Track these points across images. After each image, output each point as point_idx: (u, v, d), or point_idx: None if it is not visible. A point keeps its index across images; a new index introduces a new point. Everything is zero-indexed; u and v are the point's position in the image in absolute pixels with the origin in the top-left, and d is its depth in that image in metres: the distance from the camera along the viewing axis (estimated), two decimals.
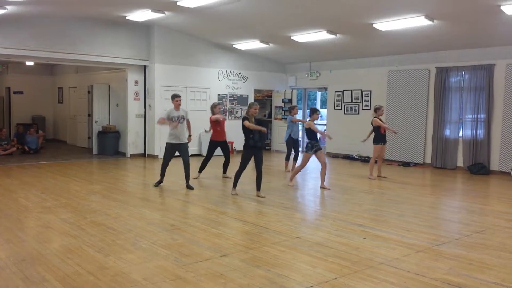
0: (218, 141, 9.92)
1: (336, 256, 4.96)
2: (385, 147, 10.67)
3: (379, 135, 10.34)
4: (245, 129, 7.93)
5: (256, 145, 7.91)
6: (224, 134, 10.04)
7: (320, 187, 9.10)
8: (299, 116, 11.52)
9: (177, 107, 8.84)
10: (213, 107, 10.03)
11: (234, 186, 8.24)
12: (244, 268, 4.56)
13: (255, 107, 8.10)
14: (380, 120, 10.40)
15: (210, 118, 9.96)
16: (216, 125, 9.90)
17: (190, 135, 9.33)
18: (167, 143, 8.92)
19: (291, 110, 11.29)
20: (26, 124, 16.21)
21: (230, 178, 9.83)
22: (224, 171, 10.21)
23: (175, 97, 8.91)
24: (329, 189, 9.01)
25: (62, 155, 14.03)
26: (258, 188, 8.15)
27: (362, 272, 4.49)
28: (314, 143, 8.97)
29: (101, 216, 6.54)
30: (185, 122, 8.92)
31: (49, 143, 17.34)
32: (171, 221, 6.35)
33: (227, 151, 10.16)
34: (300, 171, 9.49)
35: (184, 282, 4.16)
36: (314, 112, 9.20)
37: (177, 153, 8.94)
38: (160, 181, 9.05)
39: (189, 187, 8.80)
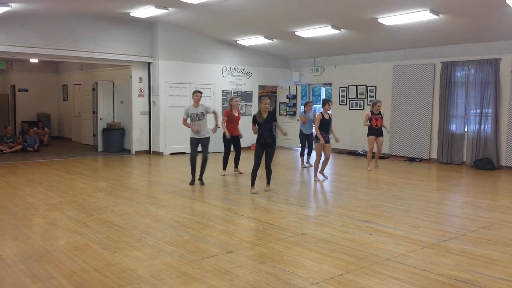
0: (231, 136, 9.83)
1: (342, 252, 4.95)
2: (380, 140, 10.89)
3: (371, 128, 10.81)
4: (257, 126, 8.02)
5: (266, 142, 7.94)
6: (236, 129, 9.98)
7: (314, 177, 9.43)
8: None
9: (196, 102, 8.74)
10: (230, 100, 10.07)
11: (252, 184, 8.14)
12: (250, 264, 4.56)
13: (264, 102, 8.06)
14: (373, 114, 10.78)
15: (226, 113, 9.93)
16: (229, 121, 9.84)
17: (216, 125, 9.28)
18: (190, 137, 8.89)
19: (305, 105, 11.53)
20: (31, 122, 16.28)
21: (242, 173, 10.03)
22: (236, 165, 10.23)
23: (194, 93, 8.83)
24: (319, 180, 9.35)
25: (67, 152, 14.08)
26: (267, 181, 8.24)
27: (368, 268, 4.48)
28: (322, 134, 9.20)
29: (107, 213, 6.56)
30: (205, 118, 8.82)
31: (54, 140, 17.40)
32: (176, 218, 6.36)
33: (238, 146, 10.18)
34: (319, 164, 9.51)
35: (190, 279, 4.17)
36: (325, 103, 9.50)
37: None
38: (193, 180, 8.85)
39: (201, 182, 8.84)
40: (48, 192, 8.01)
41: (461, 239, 5.50)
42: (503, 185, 9.64)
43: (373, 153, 11.08)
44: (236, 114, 10.01)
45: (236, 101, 10.07)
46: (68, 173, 10.15)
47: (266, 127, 7.93)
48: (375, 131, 10.82)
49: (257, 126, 8.01)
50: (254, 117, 8.06)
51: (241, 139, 10.09)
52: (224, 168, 10.08)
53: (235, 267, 4.46)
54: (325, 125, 9.30)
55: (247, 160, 10.31)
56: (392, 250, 5.04)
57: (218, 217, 6.51)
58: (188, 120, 8.76)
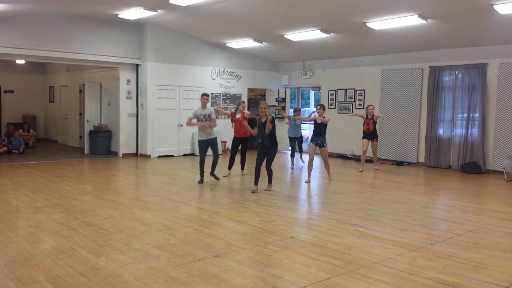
0: (238, 138, 10.19)
1: (330, 255, 4.94)
2: (375, 144, 11.53)
3: (363, 131, 11.49)
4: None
5: (264, 144, 8.40)
6: (240, 130, 10.10)
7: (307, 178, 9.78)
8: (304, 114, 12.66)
9: (203, 105, 9.21)
10: (238, 105, 10.29)
11: (255, 183, 8.50)
12: (238, 268, 4.53)
13: (261, 107, 8.52)
14: (366, 118, 11.42)
15: (235, 117, 10.20)
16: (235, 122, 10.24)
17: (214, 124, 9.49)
18: (198, 140, 9.40)
19: (294, 112, 12.30)
20: (17, 124, 16.09)
21: (245, 175, 10.31)
22: (242, 168, 10.48)
23: (202, 96, 9.36)
24: (309, 182, 9.64)
25: (53, 154, 13.91)
26: (269, 181, 8.62)
27: (355, 271, 4.47)
28: (314, 138, 9.76)
29: (93, 217, 6.48)
30: (211, 120, 9.22)
31: (40, 142, 17.21)
32: (163, 222, 6.30)
33: (244, 148, 10.40)
34: (311, 166, 9.80)
35: (177, 283, 4.12)
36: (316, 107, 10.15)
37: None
38: (202, 179, 9.29)
39: (215, 177, 9.40)
40: (33, 195, 7.89)
41: (448, 243, 5.52)
42: (490, 188, 9.72)
43: (370, 157, 11.80)
44: (238, 116, 10.12)
45: (243, 106, 10.30)
46: (53, 175, 10.02)
47: (263, 131, 8.34)
48: (366, 134, 11.43)
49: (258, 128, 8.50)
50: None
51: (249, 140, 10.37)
52: (229, 168, 10.26)
53: (223, 271, 4.42)
54: (316, 128, 9.77)
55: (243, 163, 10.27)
56: (380, 253, 5.05)
57: (205, 220, 6.47)
58: (194, 121, 9.19)
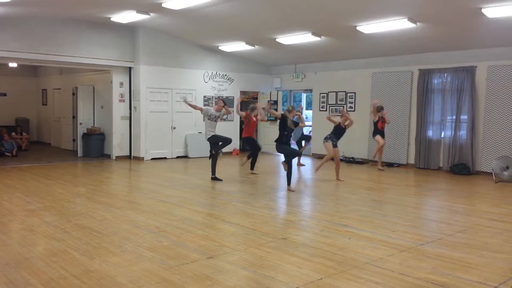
0: (246, 137, 10.85)
1: (322, 256, 5.00)
2: (381, 143, 11.96)
3: (378, 129, 12.01)
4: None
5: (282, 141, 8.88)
6: (251, 131, 10.86)
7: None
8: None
9: (219, 108, 9.97)
10: (251, 110, 10.74)
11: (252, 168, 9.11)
12: (231, 270, 4.58)
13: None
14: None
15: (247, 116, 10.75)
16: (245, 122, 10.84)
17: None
18: (207, 139, 9.89)
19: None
20: (9, 127, 16.02)
21: (257, 174, 10.73)
22: (252, 167, 10.87)
23: (220, 99, 10.35)
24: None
25: (46, 157, 13.88)
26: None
27: (347, 272, 4.54)
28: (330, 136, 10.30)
29: (86, 219, 6.50)
30: (217, 120, 9.97)
31: (33, 145, 17.14)
32: (156, 224, 6.33)
33: (255, 147, 10.88)
34: (325, 161, 10.46)
35: (170, 285, 4.16)
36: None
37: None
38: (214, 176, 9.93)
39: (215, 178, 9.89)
40: (26, 198, 7.89)
41: (438, 243, 5.60)
42: (479, 189, 9.84)
43: (368, 159, 12.25)
44: (254, 119, 10.78)
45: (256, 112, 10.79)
46: (46, 178, 10.01)
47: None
48: (380, 132, 12.03)
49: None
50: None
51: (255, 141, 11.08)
52: (251, 168, 10.84)
53: (216, 273, 4.47)
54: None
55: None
56: (371, 254, 5.11)
57: (198, 222, 6.50)
58: (206, 119, 9.85)
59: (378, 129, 11.96)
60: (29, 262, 4.70)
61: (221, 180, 9.78)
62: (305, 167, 12.59)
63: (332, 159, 10.35)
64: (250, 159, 10.88)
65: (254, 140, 11.10)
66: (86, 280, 4.24)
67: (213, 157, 9.95)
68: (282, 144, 8.84)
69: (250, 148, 10.98)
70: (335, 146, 10.17)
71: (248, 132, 10.76)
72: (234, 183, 9.80)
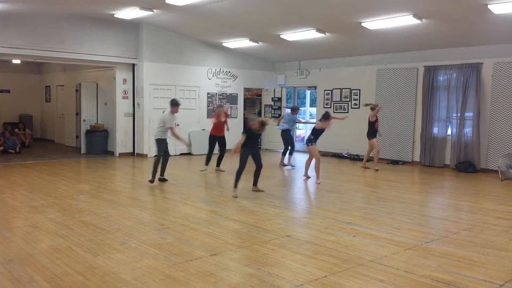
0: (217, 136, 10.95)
1: (326, 254, 4.98)
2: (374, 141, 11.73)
3: (375, 130, 11.67)
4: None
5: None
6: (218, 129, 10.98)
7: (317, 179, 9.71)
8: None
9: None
10: (220, 110, 11.05)
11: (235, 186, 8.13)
12: (234, 267, 4.56)
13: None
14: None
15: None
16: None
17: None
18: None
19: (292, 110, 12.36)
20: (13, 123, 16.05)
21: (223, 171, 10.63)
22: (218, 164, 10.86)
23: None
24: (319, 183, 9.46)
25: (50, 154, 13.90)
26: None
27: (351, 269, 4.51)
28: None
29: (90, 216, 6.49)
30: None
31: (37, 142, 17.19)
32: (160, 220, 6.32)
33: (224, 146, 10.99)
34: (319, 166, 9.79)
35: (174, 282, 4.15)
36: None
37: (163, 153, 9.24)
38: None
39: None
40: (29, 195, 7.90)
41: (443, 241, 5.57)
42: (484, 187, 9.78)
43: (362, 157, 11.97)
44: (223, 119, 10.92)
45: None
46: (50, 175, 10.02)
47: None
48: (375, 133, 11.71)
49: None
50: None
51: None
52: (206, 164, 10.77)
53: (220, 270, 4.45)
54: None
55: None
56: (376, 252, 5.08)
57: (202, 219, 6.49)
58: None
59: (375, 130, 11.63)
60: (33, 258, 4.70)
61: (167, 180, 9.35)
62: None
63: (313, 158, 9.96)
64: (217, 156, 10.88)
65: (223, 138, 11.01)
66: (90, 276, 4.23)
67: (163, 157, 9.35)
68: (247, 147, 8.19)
69: (221, 146, 10.98)
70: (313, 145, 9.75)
71: (217, 131, 10.87)
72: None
